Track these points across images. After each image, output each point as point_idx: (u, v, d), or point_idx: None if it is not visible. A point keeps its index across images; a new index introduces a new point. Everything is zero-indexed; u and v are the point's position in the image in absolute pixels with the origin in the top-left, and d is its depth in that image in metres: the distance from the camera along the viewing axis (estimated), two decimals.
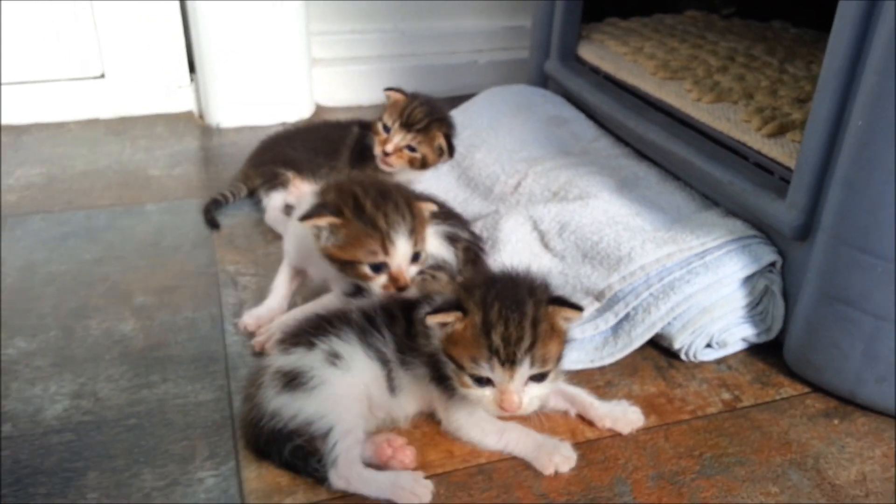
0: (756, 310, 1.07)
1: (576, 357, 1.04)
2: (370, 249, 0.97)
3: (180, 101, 1.87)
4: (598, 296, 1.07)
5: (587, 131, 1.47)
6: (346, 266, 0.99)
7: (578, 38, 1.61)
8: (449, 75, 2.03)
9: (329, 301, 1.07)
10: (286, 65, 1.81)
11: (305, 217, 0.99)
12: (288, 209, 1.40)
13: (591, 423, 0.94)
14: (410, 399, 0.92)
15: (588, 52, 1.58)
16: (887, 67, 0.83)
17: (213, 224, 1.36)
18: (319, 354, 0.88)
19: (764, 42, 1.55)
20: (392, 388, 0.91)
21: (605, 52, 1.55)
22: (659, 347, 1.08)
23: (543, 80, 1.67)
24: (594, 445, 0.91)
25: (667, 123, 1.30)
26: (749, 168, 1.14)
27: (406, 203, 1.00)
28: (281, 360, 0.89)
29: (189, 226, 1.38)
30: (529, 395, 0.84)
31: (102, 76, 1.81)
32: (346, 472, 0.83)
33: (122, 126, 1.81)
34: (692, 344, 1.04)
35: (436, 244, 1.12)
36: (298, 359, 0.88)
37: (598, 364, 1.04)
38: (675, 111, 1.30)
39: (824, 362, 0.98)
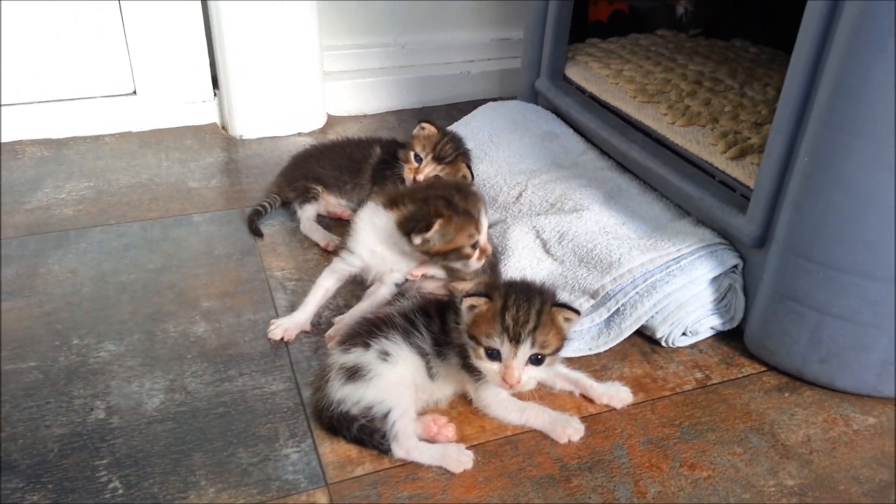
0: (722, 304, 1.29)
1: (576, 346, 1.26)
2: (469, 233, 1.23)
3: (205, 114, 2.04)
4: (593, 294, 1.29)
5: (576, 145, 1.68)
6: (450, 254, 1.23)
7: (565, 59, 1.82)
8: (445, 85, 2.24)
9: (381, 294, 1.28)
10: (302, 79, 1.99)
11: (420, 231, 1.19)
12: (320, 219, 1.61)
13: (591, 401, 1.16)
14: (447, 383, 1.13)
15: (574, 73, 1.79)
16: (826, 118, 1.05)
17: (257, 233, 1.56)
18: (373, 353, 1.09)
19: (726, 64, 1.78)
20: (431, 375, 1.12)
21: (589, 73, 1.77)
22: (644, 337, 1.30)
23: (534, 97, 1.88)
24: (596, 419, 1.14)
25: (646, 143, 1.52)
26: (715, 185, 1.36)
27: (470, 189, 1.26)
28: (343, 358, 1.10)
29: (235, 235, 1.58)
30: (528, 374, 1.04)
31: (134, 93, 1.98)
32: (406, 444, 1.04)
33: (154, 138, 1.99)
34: (671, 333, 1.27)
35: None
36: (357, 357, 1.09)
37: (594, 352, 1.27)
38: (653, 132, 1.52)
39: (777, 347, 1.22)
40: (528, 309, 1.02)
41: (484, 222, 1.25)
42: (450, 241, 1.23)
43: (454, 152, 1.54)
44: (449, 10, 2.23)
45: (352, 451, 1.07)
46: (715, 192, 1.34)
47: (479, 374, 1.09)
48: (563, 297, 1.29)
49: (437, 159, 1.53)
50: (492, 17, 2.29)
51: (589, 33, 1.98)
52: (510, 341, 1.02)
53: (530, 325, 1.02)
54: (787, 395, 1.20)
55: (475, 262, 1.25)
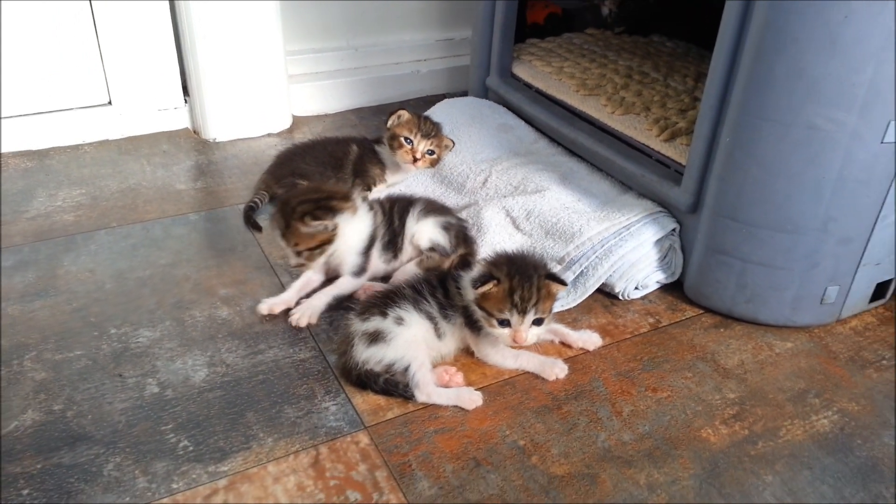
0: (664, 261, 1.56)
1: None
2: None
3: (177, 120, 2.18)
4: (560, 261, 1.54)
5: (528, 135, 1.93)
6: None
7: (512, 58, 2.06)
8: (397, 83, 2.44)
9: (344, 282, 1.49)
10: (268, 83, 2.15)
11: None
12: None
13: (569, 346, 1.41)
14: (451, 340, 1.35)
15: (521, 71, 2.03)
16: (742, 107, 1.32)
17: (256, 227, 1.72)
18: (390, 319, 1.30)
19: (649, 58, 2.06)
20: (439, 335, 1.34)
21: (534, 71, 2.01)
22: (604, 293, 1.56)
23: (485, 93, 2.11)
24: (574, 360, 1.39)
25: (591, 130, 1.77)
26: (653, 164, 1.63)
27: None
28: (364, 326, 1.30)
29: (232, 230, 1.74)
30: (531, 333, 1.29)
31: (109, 103, 2.10)
32: (426, 390, 1.26)
33: (131, 145, 2.11)
34: (626, 288, 1.53)
35: (435, 232, 1.55)
36: (376, 324, 1.29)
37: (565, 307, 1.51)
38: (596, 121, 1.78)
39: (711, 292, 1.50)
40: (531, 287, 1.25)
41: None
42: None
43: (433, 127, 1.77)
44: (396, 14, 2.43)
45: (380, 400, 1.27)
46: (653, 170, 1.60)
47: (480, 330, 1.32)
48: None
49: (425, 136, 1.76)
50: (435, 20, 2.50)
51: (528, 34, 2.22)
52: (518, 314, 1.25)
53: (533, 301, 1.25)
54: (722, 330, 1.48)
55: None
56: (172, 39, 2.08)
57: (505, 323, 1.27)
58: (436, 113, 2.03)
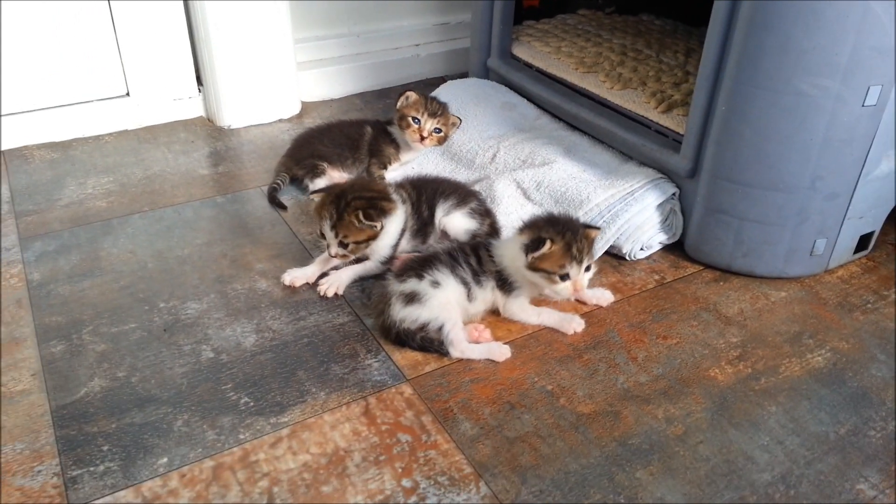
0: (666, 223, 1.69)
1: None
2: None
3: (192, 109, 2.27)
4: None
5: (531, 112, 2.05)
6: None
7: (511, 40, 2.17)
8: (398, 67, 2.54)
9: (371, 265, 1.59)
10: (278, 71, 2.24)
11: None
12: None
13: (583, 303, 1.54)
14: (481, 304, 1.47)
15: (520, 51, 2.14)
16: (736, 76, 1.45)
17: (281, 206, 1.83)
18: (426, 282, 1.41)
19: (641, 36, 2.18)
20: (470, 299, 1.46)
21: (533, 51, 2.13)
22: (612, 254, 1.69)
23: (487, 73, 2.22)
24: (590, 315, 1.52)
25: (591, 105, 1.89)
26: (652, 134, 1.76)
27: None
28: (401, 287, 1.42)
29: (259, 210, 1.85)
30: (584, 280, 1.42)
31: (127, 94, 2.18)
32: (460, 346, 1.38)
33: (149, 134, 2.20)
34: (632, 249, 1.65)
35: (465, 221, 1.64)
36: (413, 285, 1.41)
37: None
38: (596, 97, 1.90)
39: (711, 249, 1.64)
40: (581, 240, 1.39)
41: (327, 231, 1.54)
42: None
43: (440, 106, 1.88)
44: (394, 1, 2.53)
45: (417, 356, 1.40)
46: (653, 140, 1.73)
47: (511, 291, 1.45)
48: None
49: (432, 115, 1.86)
50: (432, 5, 2.60)
51: (524, 17, 2.34)
52: (577, 265, 1.38)
53: (585, 251, 1.39)
54: (721, 283, 1.62)
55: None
56: (186, 32, 2.17)
57: (566, 277, 1.39)
58: (441, 94, 2.14)
